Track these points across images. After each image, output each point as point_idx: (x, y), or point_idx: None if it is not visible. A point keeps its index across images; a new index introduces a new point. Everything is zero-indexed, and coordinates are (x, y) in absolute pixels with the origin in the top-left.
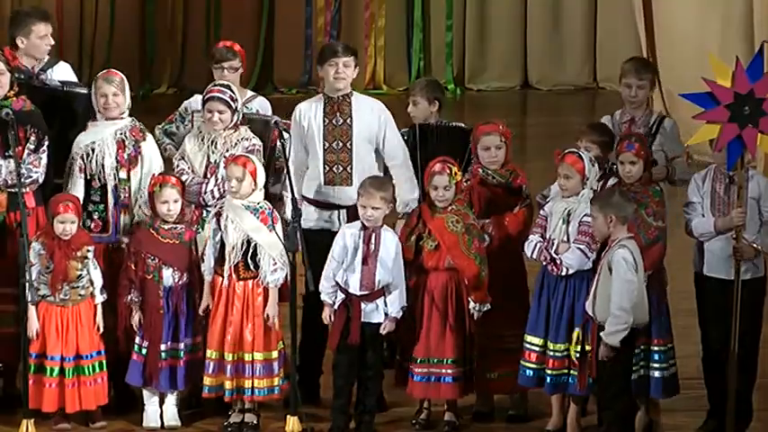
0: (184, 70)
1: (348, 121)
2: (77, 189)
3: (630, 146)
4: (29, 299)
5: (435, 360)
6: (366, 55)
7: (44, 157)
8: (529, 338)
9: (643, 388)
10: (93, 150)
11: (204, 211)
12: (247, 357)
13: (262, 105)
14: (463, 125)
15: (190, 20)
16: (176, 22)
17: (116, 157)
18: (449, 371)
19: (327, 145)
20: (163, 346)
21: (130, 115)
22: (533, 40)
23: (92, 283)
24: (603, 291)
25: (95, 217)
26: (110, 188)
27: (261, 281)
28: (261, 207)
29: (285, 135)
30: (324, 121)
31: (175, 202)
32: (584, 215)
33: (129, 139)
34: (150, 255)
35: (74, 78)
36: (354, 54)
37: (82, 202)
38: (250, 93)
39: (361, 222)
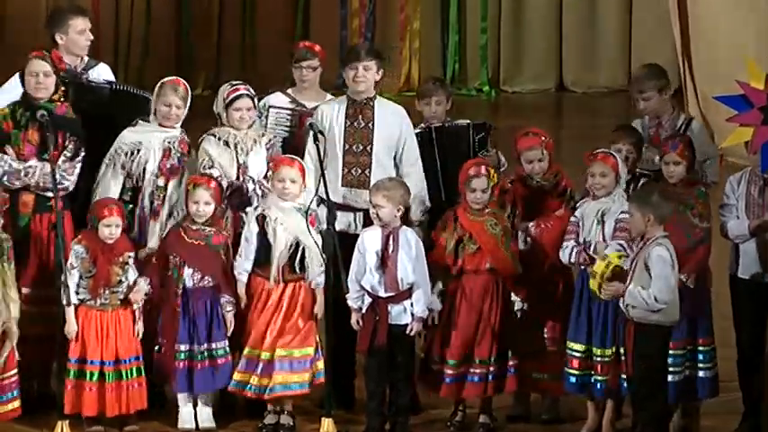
0: (220, 72)
1: (370, 125)
2: (116, 183)
3: (675, 146)
4: (64, 301)
5: (478, 360)
6: (401, 57)
7: (78, 166)
8: (571, 345)
9: (688, 389)
10: (138, 151)
11: (243, 214)
12: (282, 353)
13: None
14: (464, 123)
15: (225, 22)
16: (212, 23)
17: (159, 165)
18: (482, 371)
19: (348, 147)
20: (182, 347)
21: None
22: (568, 41)
23: (130, 289)
24: (634, 287)
25: None
26: (146, 193)
27: (309, 283)
28: (307, 210)
29: (320, 138)
30: (345, 123)
31: (206, 204)
32: (621, 213)
33: (176, 149)
34: (173, 252)
35: (113, 79)
36: (378, 57)
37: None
38: (329, 95)
39: (378, 224)
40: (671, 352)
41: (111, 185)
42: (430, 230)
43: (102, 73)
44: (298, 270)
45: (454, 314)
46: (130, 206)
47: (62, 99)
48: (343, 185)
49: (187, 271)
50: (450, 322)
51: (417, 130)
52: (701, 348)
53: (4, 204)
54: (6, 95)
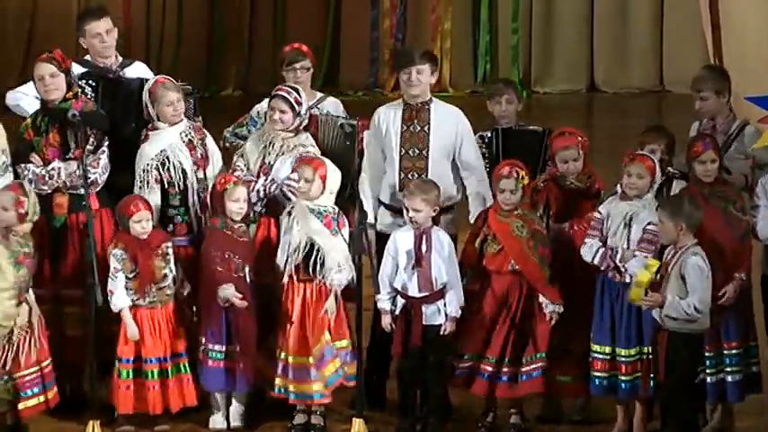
0: (250, 72)
1: (426, 128)
2: (154, 198)
3: (707, 145)
4: (96, 300)
5: (496, 359)
6: None
7: (103, 157)
8: (595, 347)
9: (721, 390)
10: (167, 158)
11: (252, 212)
12: (309, 360)
13: (333, 106)
14: (536, 128)
15: (256, 23)
16: (243, 24)
17: (191, 159)
18: (505, 369)
19: (404, 151)
20: (218, 347)
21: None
22: (600, 42)
23: (175, 282)
24: (673, 297)
25: (178, 221)
26: (190, 190)
27: (325, 281)
28: (326, 211)
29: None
30: (401, 128)
31: (245, 201)
32: (650, 223)
33: (195, 138)
34: (232, 254)
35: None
36: (431, 60)
37: (159, 210)
38: (320, 94)
39: (410, 224)
40: (708, 354)
41: (152, 202)
42: None
43: (138, 71)
44: (311, 271)
45: (478, 312)
46: (182, 209)
47: (76, 96)
48: (400, 190)
49: (246, 269)
50: (474, 320)
51: (485, 132)
52: (726, 352)
53: (20, 207)
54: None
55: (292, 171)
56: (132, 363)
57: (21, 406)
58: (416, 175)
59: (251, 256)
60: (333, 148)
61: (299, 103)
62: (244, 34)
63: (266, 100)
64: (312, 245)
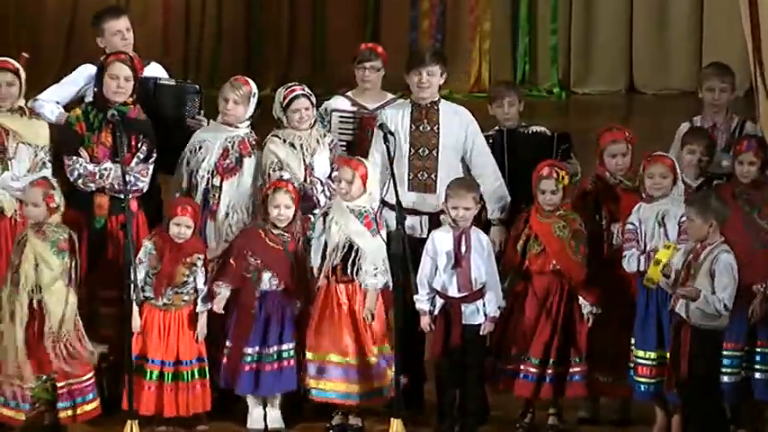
0: (290, 72)
1: (435, 128)
2: (184, 180)
3: (750, 146)
4: (134, 300)
5: (539, 360)
6: (471, 58)
7: (151, 168)
8: (639, 353)
9: (744, 389)
10: (200, 148)
11: (312, 217)
12: (351, 361)
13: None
14: (546, 130)
15: (295, 22)
16: (282, 24)
17: (215, 163)
18: (549, 371)
19: (413, 151)
20: (249, 350)
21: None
22: (639, 43)
23: (196, 291)
24: (705, 292)
25: None
26: (200, 190)
27: (361, 284)
28: (366, 211)
29: (390, 138)
30: (411, 128)
31: (287, 207)
32: (683, 215)
33: (234, 150)
34: (253, 254)
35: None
36: (441, 62)
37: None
38: (390, 95)
39: (450, 224)
40: (728, 353)
41: (179, 183)
42: (508, 230)
43: (154, 72)
44: (349, 272)
45: (520, 314)
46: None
47: (134, 103)
48: (409, 190)
49: (265, 275)
50: (516, 321)
51: (490, 133)
52: (759, 350)
53: (51, 202)
54: (69, 87)
55: (332, 171)
56: (137, 359)
57: (88, 408)
58: (426, 176)
59: (280, 265)
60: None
61: (312, 95)
62: (283, 34)
63: (336, 97)
64: (351, 246)
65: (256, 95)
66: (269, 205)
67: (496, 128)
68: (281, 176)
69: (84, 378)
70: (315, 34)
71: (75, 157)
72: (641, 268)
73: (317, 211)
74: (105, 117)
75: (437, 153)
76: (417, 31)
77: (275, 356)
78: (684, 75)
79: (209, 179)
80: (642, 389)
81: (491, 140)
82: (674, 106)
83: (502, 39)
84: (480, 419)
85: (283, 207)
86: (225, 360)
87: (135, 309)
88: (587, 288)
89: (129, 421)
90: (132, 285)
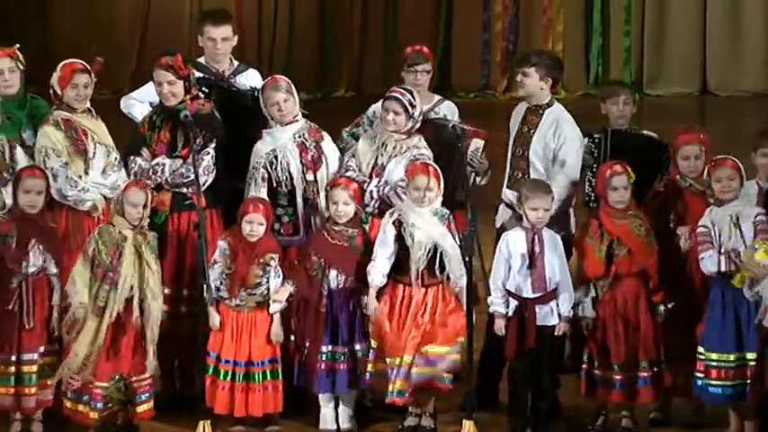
0: (362, 74)
1: (532, 131)
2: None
3: None
4: (207, 300)
5: (631, 365)
6: None
7: (207, 159)
8: (715, 356)
9: None
10: (276, 158)
11: (363, 213)
12: (427, 349)
13: (450, 110)
14: (656, 136)
15: (367, 24)
16: (354, 26)
17: (300, 161)
18: (644, 374)
19: (514, 150)
20: (323, 348)
21: (305, 117)
22: (712, 45)
23: (269, 292)
24: None
25: (285, 221)
26: (298, 192)
27: (452, 285)
28: (444, 214)
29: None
30: (518, 127)
31: (345, 204)
32: (758, 214)
33: (309, 140)
34: (316, 253)
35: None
36: (538, 65)
37: None
38: (437, 97)
39: (524, 225)
40: None
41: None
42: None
43: (251, 79)
44: (438, 273)
45: (610, 321)
46: (290, 209)
47: (194, 98)
48: (507, 187)
49: (332, 273)
50: (606, 329)
51: (596, 135)
52: None
53: (153, 202)
54: (141, 103)
55: (405, 174)
56: (214, 359)
57: (140, 409)
58: (520, 175)
59: (344, 262)
60: (443, 150)
61: (413, 106)
62: (355, 36)
63: (380, 102)
64: (435, 249)
65: (291, 84)
66: (328, 202)
67: (604, 128)
68: (347, 162)
69: (145, 376)
70: (386, 37)
71: (132, 156)
72: (722, 269)
73: (386, 214)
74: (167, 117)
75: (528, 154)
76: (490, 33)
77: (348, 355)
78: (758, 76)
79: (302, 178)
80: (719, 392)
81: (596, 140)
82: (748, 108)
83: (575, 40)
84: (554, 420)
85: (341, 204)
86: (300, 359)
87: (212, 308)
88: (659, 287)
89: (201, 422)
90: (206, 286)
